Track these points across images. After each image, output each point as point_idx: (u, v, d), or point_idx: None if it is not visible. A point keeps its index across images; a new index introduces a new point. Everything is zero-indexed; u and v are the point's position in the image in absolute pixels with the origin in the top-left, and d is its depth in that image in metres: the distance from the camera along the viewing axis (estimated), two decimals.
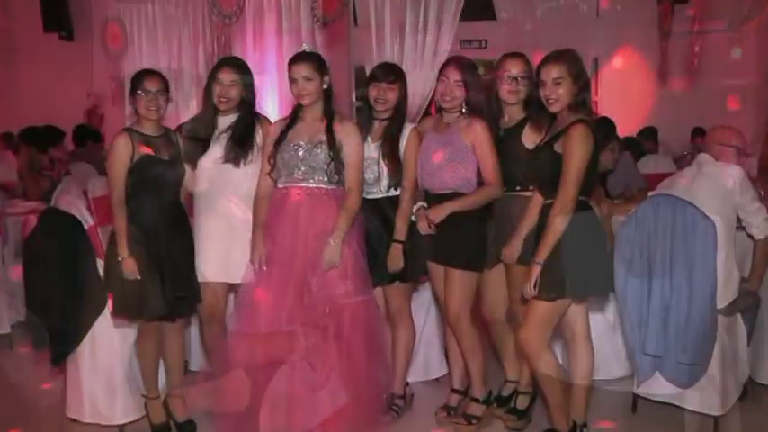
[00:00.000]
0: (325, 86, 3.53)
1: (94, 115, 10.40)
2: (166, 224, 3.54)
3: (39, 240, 3.70)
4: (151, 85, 3.53)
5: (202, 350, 3.92)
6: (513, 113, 3.66)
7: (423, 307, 4.32)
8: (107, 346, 3.73)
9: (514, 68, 3.59)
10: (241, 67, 3.73)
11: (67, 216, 3.74)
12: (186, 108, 8.60)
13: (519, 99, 3.60)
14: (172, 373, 3.76)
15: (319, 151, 3.46)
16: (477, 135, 3.56)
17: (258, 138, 3.68)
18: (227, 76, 3.65)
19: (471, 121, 3.60)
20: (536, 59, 3.40)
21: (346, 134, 3.51)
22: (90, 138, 8.46)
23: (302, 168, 3.47)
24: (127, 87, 4.57)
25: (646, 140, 8.62)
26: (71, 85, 10.19)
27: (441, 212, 3.56)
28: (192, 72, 9.01)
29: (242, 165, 3.62)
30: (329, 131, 3.49)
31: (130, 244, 3.42)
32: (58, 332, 3.67)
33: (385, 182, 3.67)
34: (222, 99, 3.64)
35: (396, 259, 3.64)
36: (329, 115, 3.53)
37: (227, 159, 3.61)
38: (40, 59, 10.28)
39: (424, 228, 3.59)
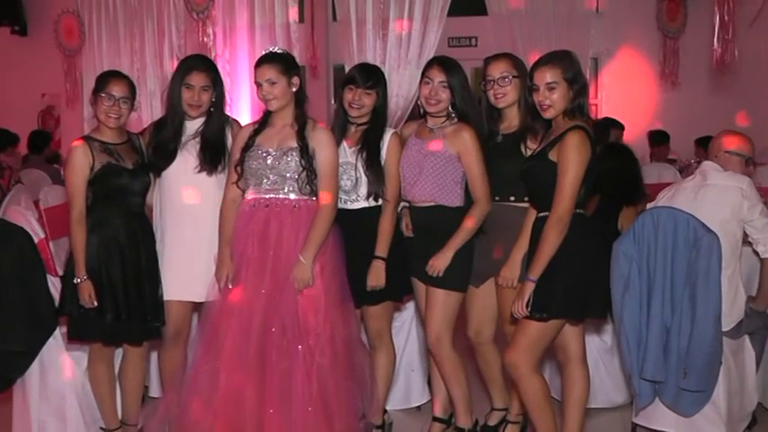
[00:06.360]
0: (294, 89, 3.51)
1: (50, 117, 10.38)
2: (131, 239, 3.53)
3: None
4: (116, 90, 3.51)
5: (159, 375, 3.90)
6: (510, 118, 3.65)
7: (403, 328, 4.33)
8: (58, 370, 3.71)
9: (494, 71, 3.59)
10: (212, 68, 3.72)
11: (16, 228, 3.72)
12: (149, 109, 8.60)
13: (508, 102, 3.60)
14: (129, 401, 3.74)
15: (289, 159, 3.44)
16: (465, 143, 3.56)
17: (229, 143, 3.68)
18: (198, 80, 3.62)
19: (458, 128, 3.59)
20: (532, 59, 3.41)
21: (319, 141, 3.48)
22: (47, 144, 8.45)
23: (271, 177, 3.46)
24: (85, 87, 4.55)
25: (655, 145, 8.63)
26: (24, 84, 10.17)
27: (445, 260, 3.55)
28: (156, 71, 9.01)
29: (215, 173, 3.63)
30: (301, 138, 3.47)
31: (89, 264, 3.41)
32: (4, 356, 3.64)
33: (364, 189, 3.64)
34: (193, 105, 3.62)
35: (377, 277, 3.62)
36: (301, 120, 3.51)
37: (201, 168, 3.61)
38: None
39: (407, 227, 3.66)
